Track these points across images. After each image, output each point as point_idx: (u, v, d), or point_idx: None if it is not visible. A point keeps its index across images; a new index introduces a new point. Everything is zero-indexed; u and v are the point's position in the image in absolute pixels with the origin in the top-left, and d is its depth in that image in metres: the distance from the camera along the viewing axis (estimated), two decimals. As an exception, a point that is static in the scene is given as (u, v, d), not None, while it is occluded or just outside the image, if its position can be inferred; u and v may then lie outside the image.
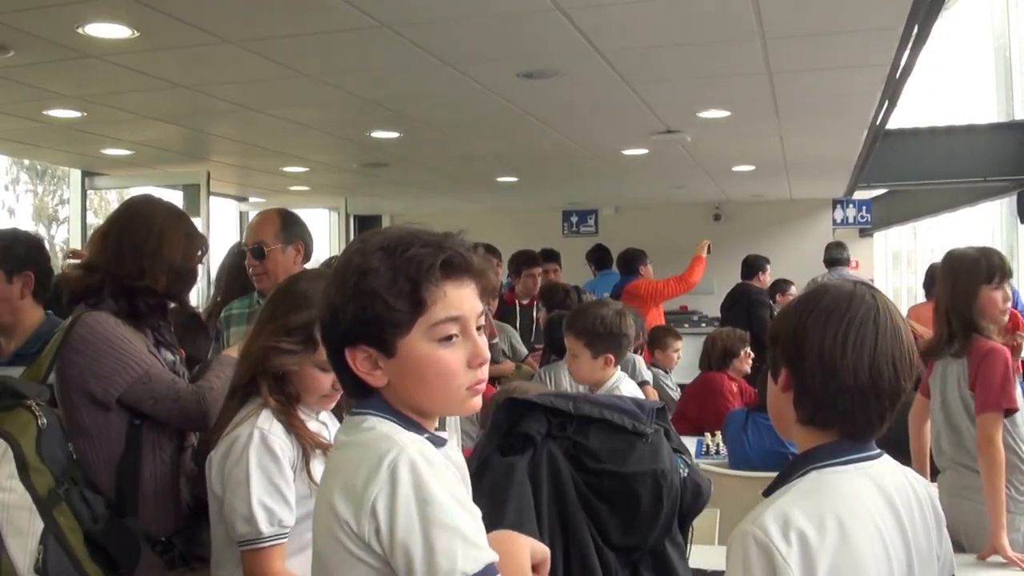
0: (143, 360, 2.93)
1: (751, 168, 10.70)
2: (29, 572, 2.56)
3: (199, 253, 3.25)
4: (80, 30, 4.99)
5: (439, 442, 1.77)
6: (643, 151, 9.25)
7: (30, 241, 3.78)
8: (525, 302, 7.70)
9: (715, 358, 6.69)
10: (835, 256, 10.41)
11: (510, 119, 7.53)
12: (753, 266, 9.77)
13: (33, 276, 3.63)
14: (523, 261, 7.82)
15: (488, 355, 1.78)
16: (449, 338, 1.72)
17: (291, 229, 4.25)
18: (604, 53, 5.54)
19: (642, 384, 6.68)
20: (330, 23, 4.97)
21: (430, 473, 1.61)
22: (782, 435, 2.06)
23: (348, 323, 1.70)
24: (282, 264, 4.16)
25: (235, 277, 4.75)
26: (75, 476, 2.77)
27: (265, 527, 2.42)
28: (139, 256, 3.03)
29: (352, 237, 14.28)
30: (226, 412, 2.63)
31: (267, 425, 2.49)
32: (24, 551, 2.57)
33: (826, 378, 1.86)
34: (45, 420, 2.72)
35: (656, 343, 7.46)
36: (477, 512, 1.67)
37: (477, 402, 1.79)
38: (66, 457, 2.77)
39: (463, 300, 1.73)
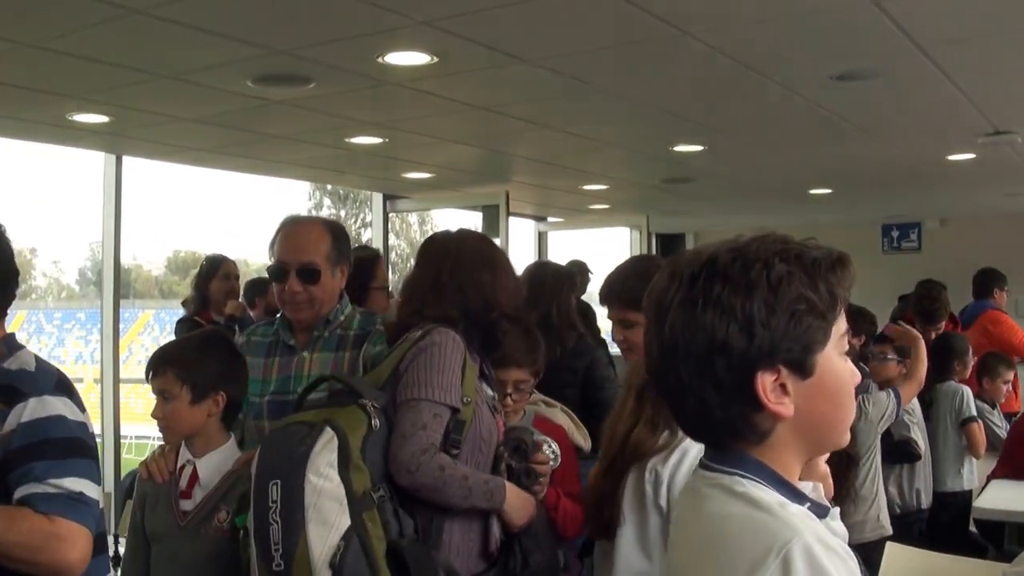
0: (437, 394, 2.76)
1: (1099, 172, 9.73)
2: (323, 565, 2.46)
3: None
4: (380, 60, 5.16)
5: (822, 512, 1.48)
6: (970, 156, 8.57)
7: None
8: None
9: None
10: None
11: (822, 126, 7.14)
12: None
13: None
14: None
15: None
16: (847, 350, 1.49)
17: (344, 247, 3.44)
18: (925, 48, 5.12)
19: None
20: (627, 35, 4.85)
21: (831, 567, 1.32)
22: None
23: (775, 339, 1.41)
24: (330, 291, 3.38)
25: (534, 295, 4.64)
26: (390, 488, 2.66)
27: None
28: (481, 289, 3.00)
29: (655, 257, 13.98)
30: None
31: None
32: (323, 542, 2.48)
33: None
34: (377, 422, 2.67)
35: (985, 371, 6.54)
36: None
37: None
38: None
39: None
